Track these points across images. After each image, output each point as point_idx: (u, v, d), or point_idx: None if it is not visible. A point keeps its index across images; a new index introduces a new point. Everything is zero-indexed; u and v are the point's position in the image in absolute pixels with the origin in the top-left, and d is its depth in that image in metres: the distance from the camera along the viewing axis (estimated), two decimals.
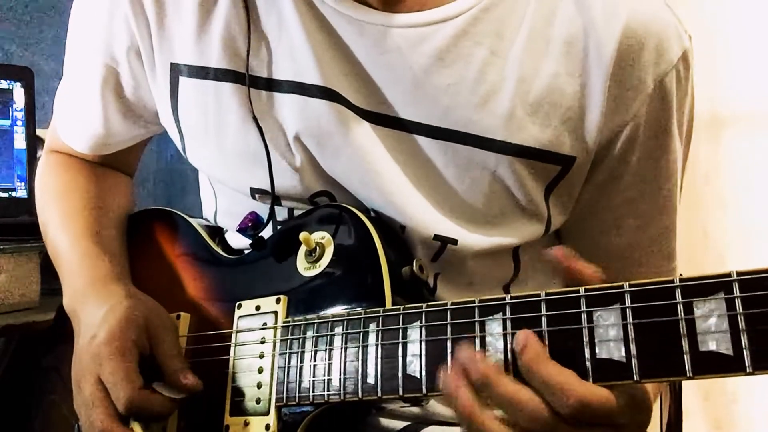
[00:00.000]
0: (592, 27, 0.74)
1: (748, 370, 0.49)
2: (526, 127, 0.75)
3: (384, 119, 0.78)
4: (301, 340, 0.72)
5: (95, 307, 0.80)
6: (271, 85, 0.80)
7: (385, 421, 0.83)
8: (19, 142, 1.47)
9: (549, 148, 0.76)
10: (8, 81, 1.46)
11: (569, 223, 0.84)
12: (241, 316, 0.78)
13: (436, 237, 0.78)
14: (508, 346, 0.59)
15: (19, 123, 1.47)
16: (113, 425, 0.73)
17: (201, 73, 0.81)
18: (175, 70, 0.83)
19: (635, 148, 0.78)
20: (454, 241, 0.79)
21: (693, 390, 1.95)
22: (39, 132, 1.47)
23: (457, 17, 0.75)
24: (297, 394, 0.71)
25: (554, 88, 0.75)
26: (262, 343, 0.75)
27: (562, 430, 0.55)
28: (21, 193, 1.47)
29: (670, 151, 0.80)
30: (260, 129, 0.79)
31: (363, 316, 0.69)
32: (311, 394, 0.70)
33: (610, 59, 0.74)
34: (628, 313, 0.55)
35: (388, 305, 0.70)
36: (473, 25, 0.75)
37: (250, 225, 0.82)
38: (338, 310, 0.72)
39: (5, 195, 1.45)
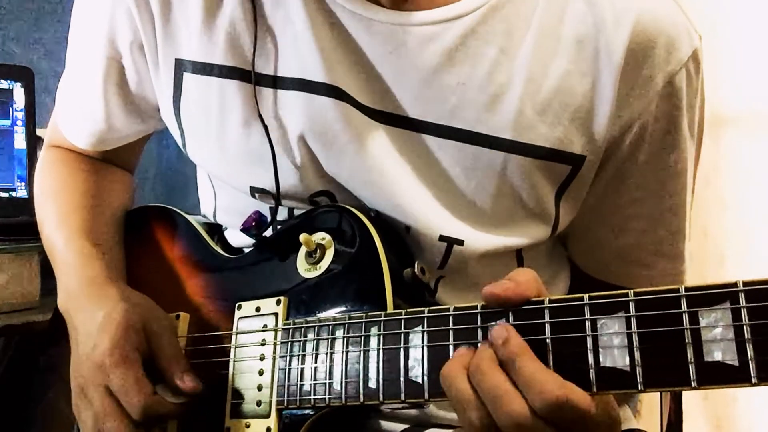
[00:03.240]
0: (602, 25, 0.74)
1: (753, 381, 0.49)
2: (535, 127, 0.75)
3: (391, 118, 0.77)
4: (301, 343, 0.72)
5: (90, 312, 0.80)
6: (276, 82, 0.79)
7: (385, 424, 0.83)
8: (19, 142, 1.47)
9: (559, 147, 0.76)
10: (8, 81, 1.46)
11: (575, 223, 0.84)
12: (241, 317, 0.78)
13: (442, 238, 0.78)
14: None
15: (19, 123, 1.47)
16: None
17: (206, 69, 0.81)
18: (180, 66, 0.82)
19: (643, 146, 0.78)
20: (461, 242, 0.78)
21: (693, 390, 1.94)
22: (39, 132, 1.46)
23: (466, 15, 0.75)
24: (298, 397, 0.71)
25: (564, 86, 0.75)
26: (263, 344, 0.75)
27: (538, 429, 0.55)
28: (21, 193, 1.47)
29: (678, 151, 0.80)
30: (266, 128, 0.79)
31: (364, 319, 0.68)
32: (312, 397, 0.70)
33: (621, 58, 0.74)
34: (633, 321, 0.54)
35: (390, 308, 0.70)
36: (482, 23, 0.75)
37: (254, 225, 0.82)
38: (339, 312, 0.72)
39: (5, 195, 1.45)
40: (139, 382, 0.74)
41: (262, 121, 0.79)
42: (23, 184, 1.47)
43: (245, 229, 0.82)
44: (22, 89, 1.47)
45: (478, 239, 0.79)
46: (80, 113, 0.95)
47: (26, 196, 1.46)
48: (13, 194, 1.46)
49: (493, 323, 0.60)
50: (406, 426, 0.83)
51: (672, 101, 0.77)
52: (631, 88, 0.75)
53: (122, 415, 0.73)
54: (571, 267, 0.92)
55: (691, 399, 1.85)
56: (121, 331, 0.76)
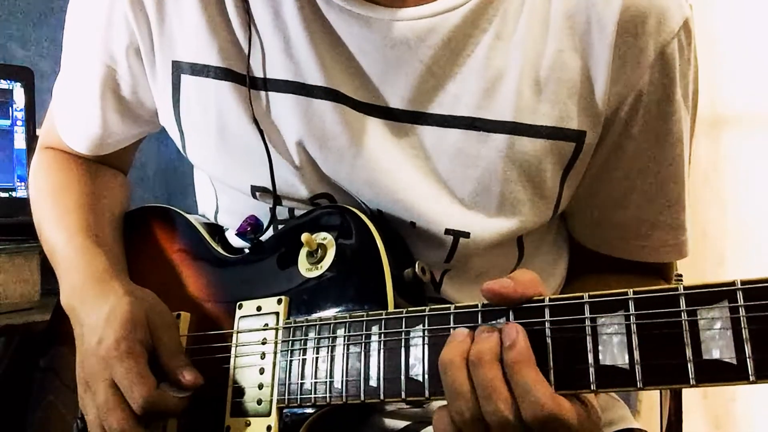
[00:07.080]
0: (592, 0, 0.74)
1: (751, 379, 0.49)
2: (535, 107, 0.75)
3: (391, 113, 0.77)
4: (302, 342, 0.72)
5: (95, 306, 0.80)
6: (269, 85, 0.79)
7: (386, 421, 0.83)
8: (19, 142, 1.47)
9: (559, 124, 0.76)
10: (8, 81, 1.46)
11: (574, 200, 0.83)
12: (242, 317, 0.78)
13: (448, 231, 0.78)
14: None
15: (19, 123, 1.47)
16: (133, 427, 0.73)
17: (203, 71, 0.81)
18: (177, 68, 0.82)
19: (638, 117, 0.78)
20: (467, 234, 0.78)
21: (692, 388, 1.95)
22: (39, 132, 1.46)
23: (463, 5, 0.75)
24: (299, 396, 0.71)
25: (559, 64, 0.75)
26: (264, 343, 0.75)
27: None
28: (21, 193, 1.47)
29: (673, 121, 0.79)
30: (261, 131, 0.79)
31: (365, 318, 0.69)
32: (313, 395, 0.70)
33: (612, 31, 0.74)
34: (632, 320, 0.55)
35: (390, 307, 0.70)
36: (479, 12, 0.75)
37: (249, 229, 0.82)
38: (340, 311, 0.72)
39: (5, 195, 1.46)
40: (142, 376, 0.74)
41: (258, 124, 0.79)
42: (23, 184, 1.47)
43: (240, 233, 0.82)
44: (22, 89, 1.48)
45: (483, 229, 0.78)
46: (78, 120, 0.95)
47: (26, 196, 1.46)
48: (13, 194, 1.47)
49: (494, 322, 0.61)
50: (408, 423, 0.83)
51: (664, 72, 0.77)
52: (624, 60, 0.75)
53: (125, 409, 0.73)
54: (571, 243, 0.92)
55: (690, 398, 1.85)
56: (126, 325, 0.76)
